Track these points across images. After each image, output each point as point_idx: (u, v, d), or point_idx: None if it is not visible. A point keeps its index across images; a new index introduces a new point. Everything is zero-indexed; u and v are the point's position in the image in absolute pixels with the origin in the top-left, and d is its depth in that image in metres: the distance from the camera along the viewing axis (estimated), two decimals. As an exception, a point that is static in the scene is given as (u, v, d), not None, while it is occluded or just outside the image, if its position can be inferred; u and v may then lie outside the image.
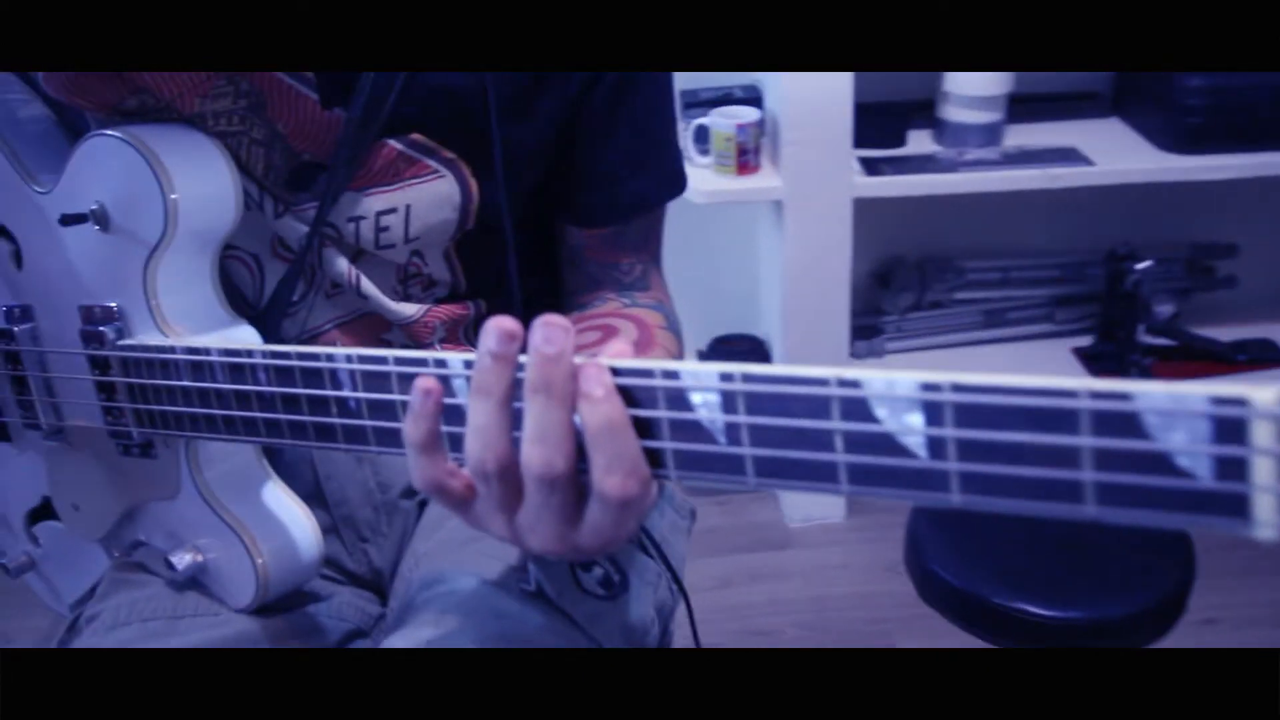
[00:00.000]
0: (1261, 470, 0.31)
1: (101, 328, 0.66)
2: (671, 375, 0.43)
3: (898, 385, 0.37)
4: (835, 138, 1.61)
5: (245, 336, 0.66)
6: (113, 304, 0.66)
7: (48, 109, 0.75)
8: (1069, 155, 1.65)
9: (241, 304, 0.71)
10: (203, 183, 0.63)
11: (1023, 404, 0.35)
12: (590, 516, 0.45)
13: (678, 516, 0.77)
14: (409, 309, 0.71)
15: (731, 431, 0.42)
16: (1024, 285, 1.99)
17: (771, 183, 1.65)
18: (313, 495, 0.73)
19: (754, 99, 1.71)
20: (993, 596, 1.10)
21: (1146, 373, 1.89)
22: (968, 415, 0.36)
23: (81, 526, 0.77)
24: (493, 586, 0.62)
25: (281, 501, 0.68)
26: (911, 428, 0.37)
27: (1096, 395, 0.33)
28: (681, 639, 0.80)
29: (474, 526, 0.49)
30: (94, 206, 0.63)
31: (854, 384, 0.38)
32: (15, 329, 0.72)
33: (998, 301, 1.99)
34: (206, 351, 0.60)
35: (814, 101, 1.59)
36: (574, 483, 0.45)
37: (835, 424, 0.39)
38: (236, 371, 0.59)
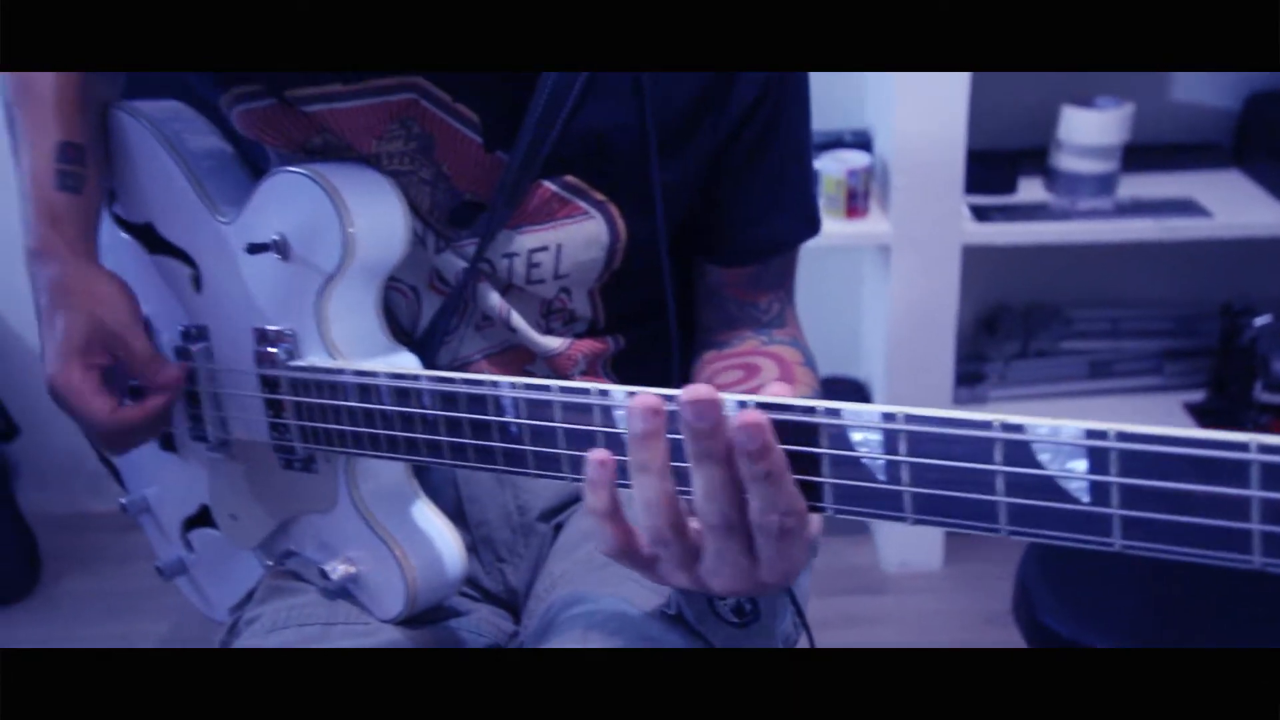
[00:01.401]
0: None
1: (273, 349, 0.71)
2: (833, 414, 0.45)
3: (1062, 432, 0.39)
4: (946, 183, 1.62)
5: (406, 362, 0.71)
6: (285, 328, 0.71)
7: (227, 144, 0.81)
8: (1186, 207, 1.63)
9: (398, 332, 0.75)
10: (377, 218, 0.67)
11: (1190, 454, 0.36)
12: (761, 553, 0.48)
13: None
14: (554, 342, 0.75)
15: (892, 470, 0.44)
16: (1133, 337, 1.96)
17: (880, 227, 1.67)
18: (455, 515, 0.76)
19: (864, 143, 1.73)
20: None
21: (1263, 431, 1.84)
22: (1133, 463, 0.37)
23: (238, 535, 0.82)
24: (635, 609, 0.65)
25: (430, 519, 0.72)
26: (1075, 473, 0.39)
27: (1267, 449, 0.35)
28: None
29: (659, 583, 0.53)
30: (275, 237, 0.69)
31: (1018, 429, 0.40)
32: (191, 347, 0.77)
33: (1105, 353, 1.96)
34: (374, 375, 0.65)
35: (925, 146, 1.60)
36: (747, 524, 0.48)
37: (997, 467, 0.41)
38: (402, 395, 0.63)
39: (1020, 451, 0.40)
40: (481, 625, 0.76)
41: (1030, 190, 1.73)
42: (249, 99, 0.70)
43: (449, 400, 0.60)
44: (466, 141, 0.68)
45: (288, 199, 0.68)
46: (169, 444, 0.87)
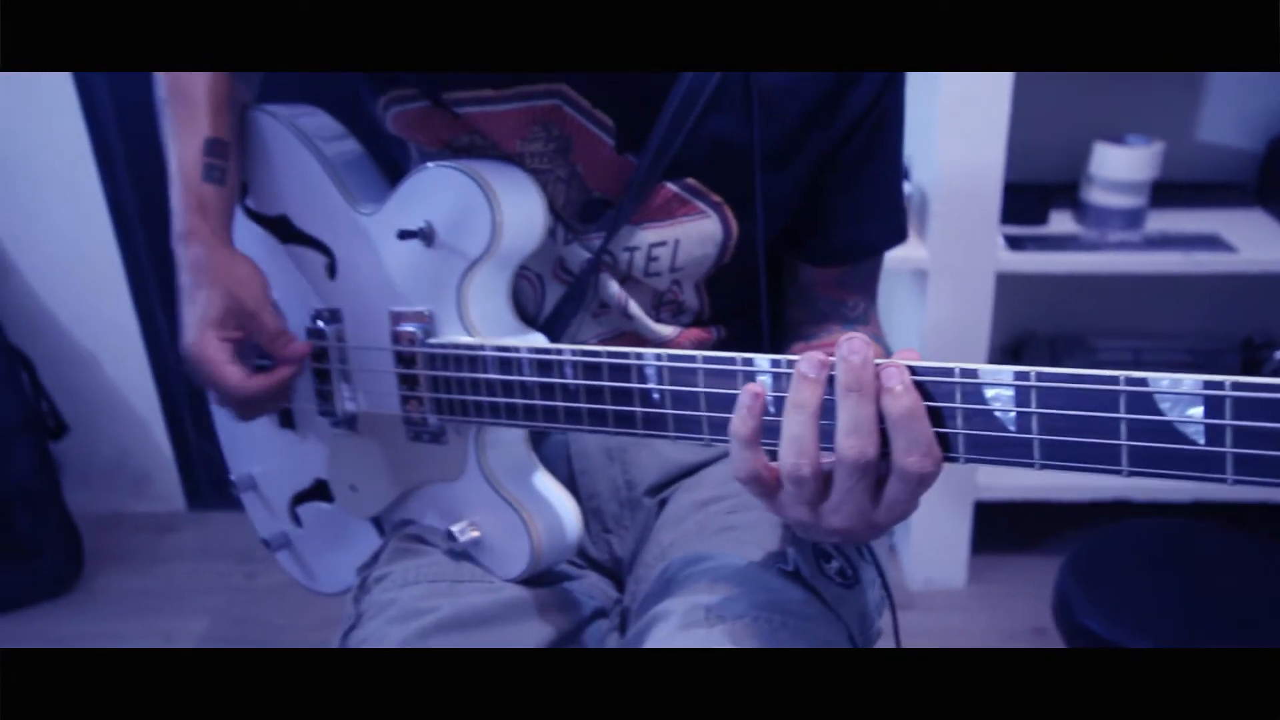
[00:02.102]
0: None
1: (410, 328, 0.78)
2: (969, 374, 0.52)
3: (1183, 383, 0.46)
4: (983, 213, 1.69)
5: (537, 342, 0.77)
6: (424, 309, 0.78)
7: (359, 145, 0.89)
8: (1212, 242, 1.71)
9: (521, 317, 0.82)
10: (521, 209, 0.74)
11: (1297, 399, 0.43)
12: (889, 494, 0.54)
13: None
14: (666, 330, 0.82)
15: (1022, 420, 0.51)
16: (1155, 368, 2.01)
17: (917, 253, 1.74)
18: (566, 487, 0.83)
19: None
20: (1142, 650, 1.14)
21: None
22: (1245, 408, 0.44)
23: (355, 506, 0.88)
24: (756, 565, 0.71)
25: (549, 487, 0.79)
26: (1192, 418, 0.46)
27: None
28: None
29: (774, 513, 0.59)
30: (423, 225, 0.75)
31: (1141, 382, 0.47)
32: (324, 327, 0.84)
33: (1128, 382, 2.03)
34: (516, 350, 0.71)
35: (964, 177, 1.68)
36: (879, 466, 0.54)
37: (1121, 415, 0.48)
38: (544, 367, 0.70)
39: (1143, 401, 0.47)
40: (591, 589, 0.82)
41: (1061, 222, 1.81)
42: (404, 101, 0.77)
43: (592, 370, 0.67)
44: (600, 144, 0.75)
45: (437, 190, 0.75)
46: (288, 421, 0.93)
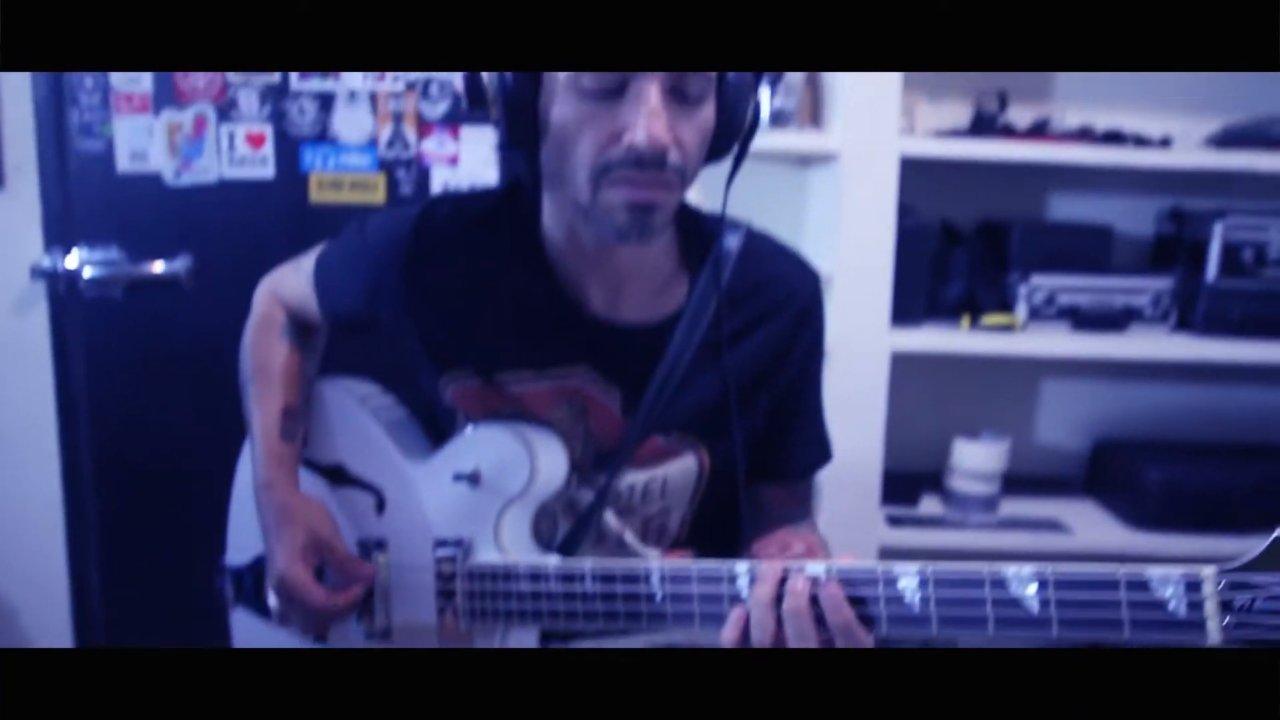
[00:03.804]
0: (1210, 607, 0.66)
1: (451, 552, 1.00)
2: (888, 572, 0.78)
3: (1023, 570, 0.72)
4: (865, 495, 2.00)
5: (554, 561, 1.00)
6: (464, 536, 1.00)
7: (406, 411, 1.13)
8: (1053, 526, 2.04)
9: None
10: (550, 460, 0.99)
11: (1092, 578, 0.70)
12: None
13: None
14: (652, 553, 1.05)
15: (923, 605, 0.76)
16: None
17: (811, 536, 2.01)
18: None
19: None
20: None
21: None
22: (1062, 585, 0.71)
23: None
24: None
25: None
26: (1029, 595, 0.72)
27: (1129, 574, 0.69)
28: None
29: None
30: (472, 470, 0.99)
31: (998, 573, 0.73)
32: (373, 554, 1.05)
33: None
34: (545, 566, 0.94)
35: (849, 465, 1.99)
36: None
37: (986, 593, 0.74)
38: (568, 579, 0.92)
39: (1000, 584, 0.73)
40: None
41: (931, 505, 2.13)
42: (461, 379, 1.03)
43: (608, 580, 0.90)
44: (609, 411, 1.01)
45: (486, 444, 0.99)
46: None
